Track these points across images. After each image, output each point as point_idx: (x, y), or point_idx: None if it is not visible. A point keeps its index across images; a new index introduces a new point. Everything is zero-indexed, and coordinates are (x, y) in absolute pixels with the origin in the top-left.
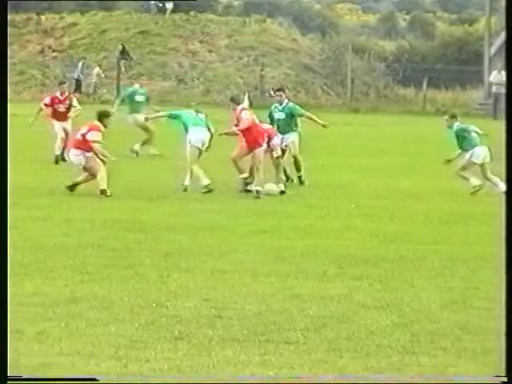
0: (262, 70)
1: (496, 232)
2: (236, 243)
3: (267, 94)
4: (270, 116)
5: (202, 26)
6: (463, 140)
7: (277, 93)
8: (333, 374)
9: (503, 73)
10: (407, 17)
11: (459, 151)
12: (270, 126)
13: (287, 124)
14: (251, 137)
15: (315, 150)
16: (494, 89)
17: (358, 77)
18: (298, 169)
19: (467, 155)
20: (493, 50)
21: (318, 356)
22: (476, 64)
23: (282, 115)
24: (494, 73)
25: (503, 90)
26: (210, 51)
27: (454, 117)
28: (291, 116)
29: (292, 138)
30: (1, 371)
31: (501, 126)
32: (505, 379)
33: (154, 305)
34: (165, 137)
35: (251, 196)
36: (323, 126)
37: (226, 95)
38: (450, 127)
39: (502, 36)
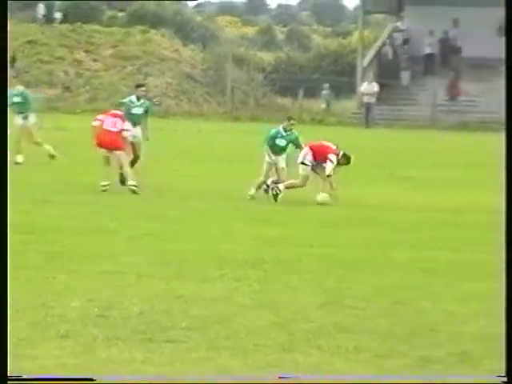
0: (145, 79)
1: (371, 236)
2: (121, 246)
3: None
4: (129, 109)
5: (87, 37)
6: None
7: (140, 89)
8: (331, 374)
9: (374, 83)
10: (284, 29)
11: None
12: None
13: (142, 118)
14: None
15: (199, 157)
16: (365, 99)
17: (238, 86)
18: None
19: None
20: (365, 61)
21: (199, 354)
22: (350, 75)
23: (139, 110)
24: (365, 84)
25: (373, 100)
26: (95, 60)
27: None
28: (146, 112)
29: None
30: (1, 371)
31: (371, 133)
32: (505, 379)
33: (40, 305)
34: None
35: (137, 199)
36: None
37: (111, 103)
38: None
39: (374, 48)
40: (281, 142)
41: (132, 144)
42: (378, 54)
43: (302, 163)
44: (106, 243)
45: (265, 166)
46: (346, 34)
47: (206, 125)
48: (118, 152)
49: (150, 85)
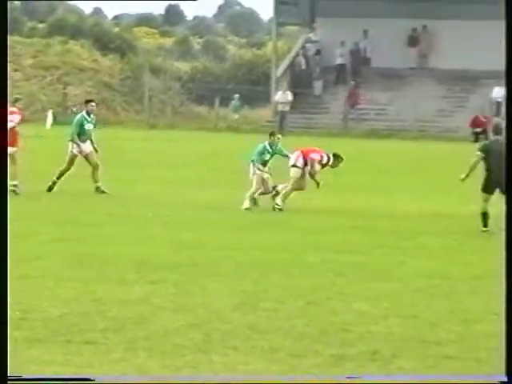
0: (64, 89)
1: (284, 239)
2: (39, 250)
3: (69, 111)
4: (82, 126)
5: (8, 47)
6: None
7: (90, 104)
8: (327, 374)
9: (288, 93)
10: (200, 40)
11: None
12: None
13: (92, 133)
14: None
15: (115, 163)
16: (279, 107)
17: (156, 95)
18: (96, 180)
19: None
20: (279, 71)
21: (117, 355)
22: (264, 84)
23: (91, 126)
24: (279, 93)
25: (287, 109)
26: (15, 70)
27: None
28: (94, 126)
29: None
30: (1, 371)
31: (285, 141)
32: (505, 379)
33: None
34: None
35: (55, 204)
36: None
37: (31, 111)
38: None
39: (288, 59)
40: (266, 157)
41: (87, 157)
42: (292, 64)
43: (294, 166)
44: (24, 248)
45: (256, 179)
46: (261, 45)
47: (125, 132)
48: (11, 149)
49: (70, 94)
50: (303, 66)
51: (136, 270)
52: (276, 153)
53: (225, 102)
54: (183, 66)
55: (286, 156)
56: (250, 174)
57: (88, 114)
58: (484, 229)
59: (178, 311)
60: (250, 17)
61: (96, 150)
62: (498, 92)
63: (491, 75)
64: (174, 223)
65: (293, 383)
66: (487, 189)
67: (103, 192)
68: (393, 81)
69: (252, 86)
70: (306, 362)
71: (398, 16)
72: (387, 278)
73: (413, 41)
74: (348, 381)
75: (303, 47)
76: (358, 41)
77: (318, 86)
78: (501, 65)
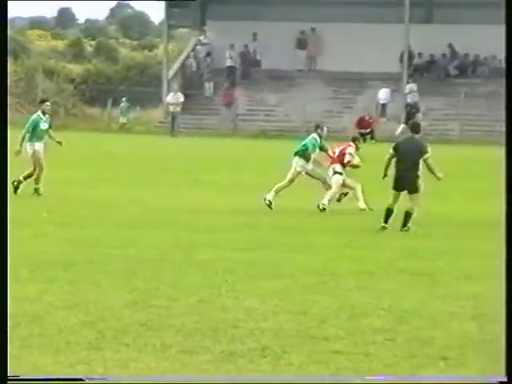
0: None
1: (176, 237)
2: None
3: None
4: (37, 126)
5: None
6: None
7: (45, 103)
8: (324, 374)
9: (179, 94)
10: (93, 42)
11: None
12: None
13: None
14: None
15: (11, 164)
16: (170, 108)
17: (49, 97)
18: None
19: None
20: (170, 73)
21: (12, 352)
22: (156, 86)
23: (46, 125)
24: (171, 94)
25: (179, 110)
26: None
27: None
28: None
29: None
30: (1, 371)
31: (177, 141)
32: (504, 379)
33: None
34: None
35: None
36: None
37: None
38: None
39: (179, 61)
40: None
41: (36, 158)
42: (183, 66)
43: (337, 172)
44: None
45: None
46: (152, 47)
47: (18, 134)
48: None
49: None
50: (194, 68)
51: (29, 269)
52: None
53: (117, 104)
54: (76, 68)
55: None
56: (296, 168)
57: (43, 113)
58: (383, 224)
59: (71, 309)
60: (142, 19)
61: (60, 143)
62: (384, 93)
63: (378, 77)
64: (68, 222)
65: (293, 383)
66: (396, 187)
67: (40, 194)
68: (282, 82)
69: (144, 87)
70: (197, 359)
71: (287, 19)
72: (277, 275)
73: (301, 43)
74: (344, 381)
75: (194, 50)
76: (248, 43)
77: (208, 87)
78: (387, 67)
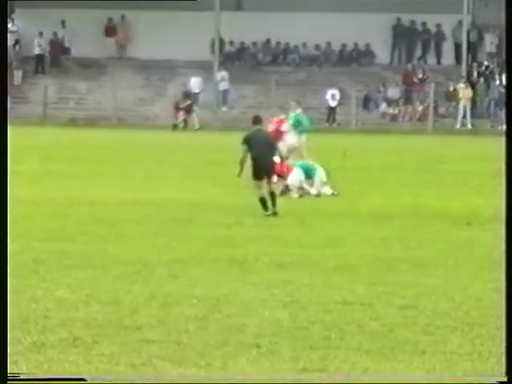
0: None
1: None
2: None
3: None
4: None
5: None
6: None
7: None
8: (323, 373)
9: None
10: None
11: None
12: None
13: None
14: None
15: None
16: None
17: None
18: None
19: None
20: None
21: None
22: None
23: None
24: None
25: None
26: None
27: None
28: None
29: None
30: (1, 371)
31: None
32: (504, 379)
33: None
34: None
35: None
36: None
37: None
38: None
39: None
40: None
41: None
42: None
43: None
44: None
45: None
46: None
47: None
48: None
49: None
50: None
51: None
52: None
53: None
54: None
55: None
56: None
57: None
58: (266, 213)
59: None
60: None
61: None
62: (195, 82)
63: (189, 65)
64: None
65: (293, 383)
66: (257, 176)
67: None
68: (92, 70)
69: None
70: (8, 350)
71: (97, 7)
72: (88, 265)
73: (109, 30)
74: (346, 379)
75: None
76: (57, 31)
77: (17, 75)
78: (198, 55)
